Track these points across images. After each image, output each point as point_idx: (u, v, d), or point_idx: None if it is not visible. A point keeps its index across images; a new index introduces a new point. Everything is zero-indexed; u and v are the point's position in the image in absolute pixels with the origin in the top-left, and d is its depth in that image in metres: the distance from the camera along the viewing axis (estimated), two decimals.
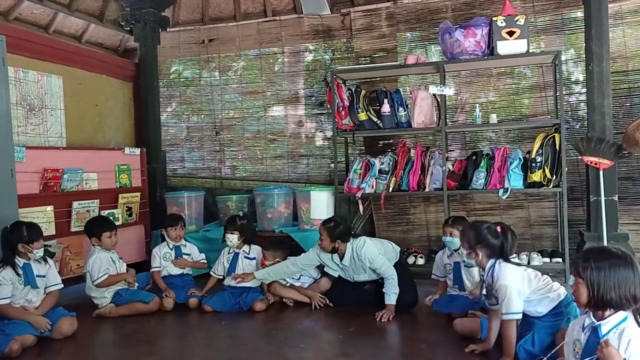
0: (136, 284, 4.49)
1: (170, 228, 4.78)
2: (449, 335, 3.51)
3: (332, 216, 4.77)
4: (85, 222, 4.67)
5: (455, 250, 3.99)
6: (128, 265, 4.62)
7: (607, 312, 2.15)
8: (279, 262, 4.44)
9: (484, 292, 3.17)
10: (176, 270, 4.75)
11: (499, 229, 3.18)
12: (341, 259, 4.27)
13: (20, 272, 3.68)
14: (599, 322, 2.16)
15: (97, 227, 4.43)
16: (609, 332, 2.13)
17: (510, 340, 2.97)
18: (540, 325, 3.04)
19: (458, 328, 3.49)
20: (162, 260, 4.72)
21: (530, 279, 3.08)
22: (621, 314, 2.13)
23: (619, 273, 2.12)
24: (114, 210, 5.29)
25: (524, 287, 3.04)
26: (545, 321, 3.04)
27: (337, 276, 4.43)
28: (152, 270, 4.72)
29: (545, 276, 3.17)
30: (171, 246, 4.78)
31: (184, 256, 4.80)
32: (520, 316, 3.00)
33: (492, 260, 3.14)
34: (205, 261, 4.91)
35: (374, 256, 4.15)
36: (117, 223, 4.91)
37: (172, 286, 4.62)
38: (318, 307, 4.33)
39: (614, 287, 2.11)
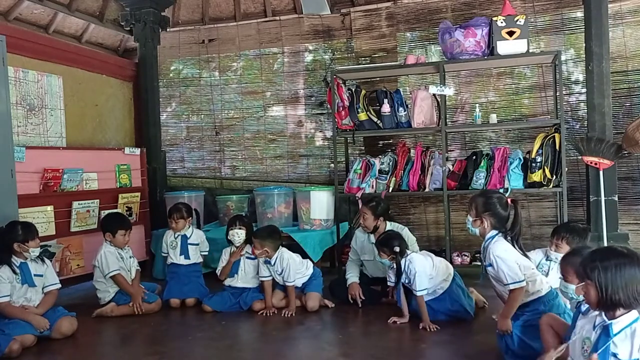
0: (145, 295, 4.36)
1: (169, 220, 4.75)
2: (448, 335, 3.51)
3: (371, 196, 4.73)
4: (103, 216, 4.68)
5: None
6: None
7: (619, 312, 2.14)
8: (267, 252, 4.17)
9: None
10: (183, 260, 4.68)
11: (510, 200, 3.15)
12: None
13: (18, 270, 3.68)
14: (610, 321, 2.15)
15: (114, 224, 4.41)
16: (620, 331, 2.11)
17: (515, 306, 2.98)
18: (516, 324, 2.97)
19: None
20: (169, 248, 4.72)
21: (521, 264, 3.04)
22: (634, 314, 2.12)
23: (625, 272, 2.11)
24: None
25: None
26: (519, 320, 2.98)
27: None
28: (163, 254, 4.83)
29: (534, 270, 3.13)
30: (176, 235, 4.72)
31: (190, 246, 4.72)
32: (524, 284, 2.96)
33: (494, 232, 3.12)
34: (201, 260, 4.79)
35: (412, 239, 4.33)
36: None
37: (175, 275, 4.62)
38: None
39: (621, 287, 2.09)
